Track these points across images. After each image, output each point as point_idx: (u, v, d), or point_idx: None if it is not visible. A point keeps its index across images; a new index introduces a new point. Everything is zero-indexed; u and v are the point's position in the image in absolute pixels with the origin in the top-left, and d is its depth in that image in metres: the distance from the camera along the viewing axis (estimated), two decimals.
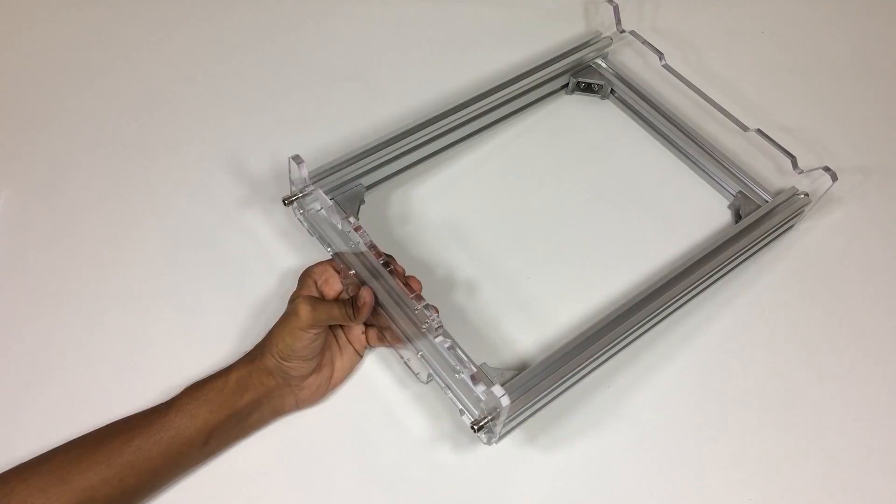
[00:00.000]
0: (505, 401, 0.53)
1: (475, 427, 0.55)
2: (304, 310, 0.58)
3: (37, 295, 0.68)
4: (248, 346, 0.62)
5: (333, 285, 0.64)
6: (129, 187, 0.76)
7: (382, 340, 0.65)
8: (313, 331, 0.59)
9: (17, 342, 0.65)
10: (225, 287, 0.70)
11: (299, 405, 0.62)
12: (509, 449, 0.62)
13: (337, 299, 0.63)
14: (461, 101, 0.78)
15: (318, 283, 0.64)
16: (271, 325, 0.60)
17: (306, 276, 0.64)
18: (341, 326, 0.64)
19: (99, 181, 0.76)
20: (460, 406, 0.59)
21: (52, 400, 0.62)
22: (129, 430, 0.55)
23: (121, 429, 0.56)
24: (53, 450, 0.55)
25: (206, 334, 0.66)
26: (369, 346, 0.65)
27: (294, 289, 0.63)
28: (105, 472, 0.53)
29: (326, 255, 0.68)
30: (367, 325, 0.65)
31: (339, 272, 0.65)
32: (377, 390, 0.65)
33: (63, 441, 0.56)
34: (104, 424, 0.57)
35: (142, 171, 0.77)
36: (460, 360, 0.57)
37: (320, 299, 0.61)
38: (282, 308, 0.61)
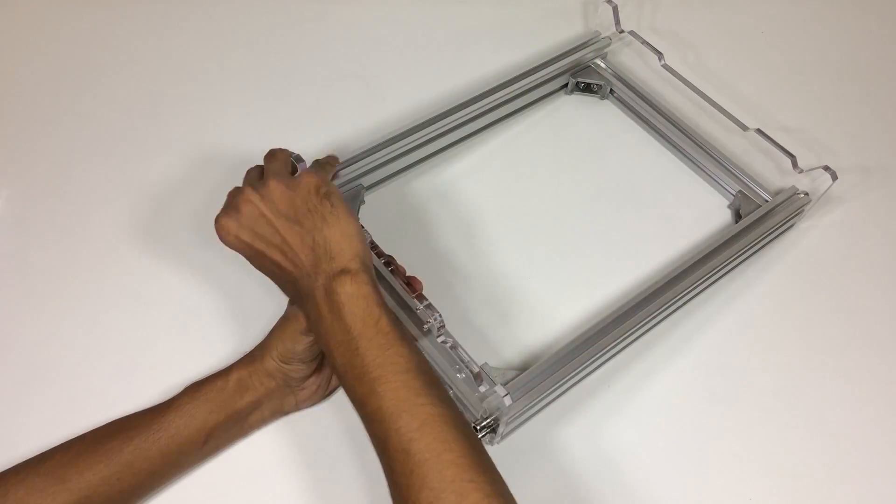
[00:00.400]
0: (507, 400, 0.53)
1: (477, 427, 0.55)
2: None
3: (37, 294, 0.68)
4: (247, 348, 0.61)
5: None
6: (129, 187, 0.76)
7: None
8: (312, 335, 0.58)
9: (18, 342, 0.65)
10: (225, 287, 0.70)
11: (299, 405, 0.62)
12: (511, 449, 0.62)
13: None
14: (460, 101, 0.78)
15: None
16: (271, 327, 0.60)
17: None
18: None
19: (99, 181, 0.76)
20: (461, 406, 0.59)
21: (51, 400, 0.62)
22: (128, 430, 0.55)
23: (120, 428, 0.56)
24: (51, 449, 0.55)
25: (206, 335, 0.66)
26: None
27: None
28: (104, 472, 0.53)
29: None
30: None
31: None
32: None
33: (62, 440, 0.55)
34: (103, 424, 0.57)
35: (142, 170, 0.77)
36: (462, 360, 0.57)
37: None
38: (281, 309, 0.61)
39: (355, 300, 0.51)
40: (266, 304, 0.68)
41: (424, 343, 0.60)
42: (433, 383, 0.50)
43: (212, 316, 0.68)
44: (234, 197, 0.56)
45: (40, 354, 0.65)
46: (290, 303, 0.62)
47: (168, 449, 0.55)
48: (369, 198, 0.75)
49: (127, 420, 0.57)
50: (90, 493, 0.52)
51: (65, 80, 0.84)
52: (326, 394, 0.63)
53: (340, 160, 0.71)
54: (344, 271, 0.52)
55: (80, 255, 0.71)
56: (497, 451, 0.61)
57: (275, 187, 0.55)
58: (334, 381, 0.63)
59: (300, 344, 0.58)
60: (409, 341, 0.51)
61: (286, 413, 0.62)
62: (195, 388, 0.58)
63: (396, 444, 0.47)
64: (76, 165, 0.77)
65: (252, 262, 0.57)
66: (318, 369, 0.61)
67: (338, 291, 0.51)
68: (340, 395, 0.64)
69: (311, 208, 0.54)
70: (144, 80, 0.84)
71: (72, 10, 0.90)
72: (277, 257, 0.54)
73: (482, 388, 0.56)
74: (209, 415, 0.56)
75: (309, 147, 0.77)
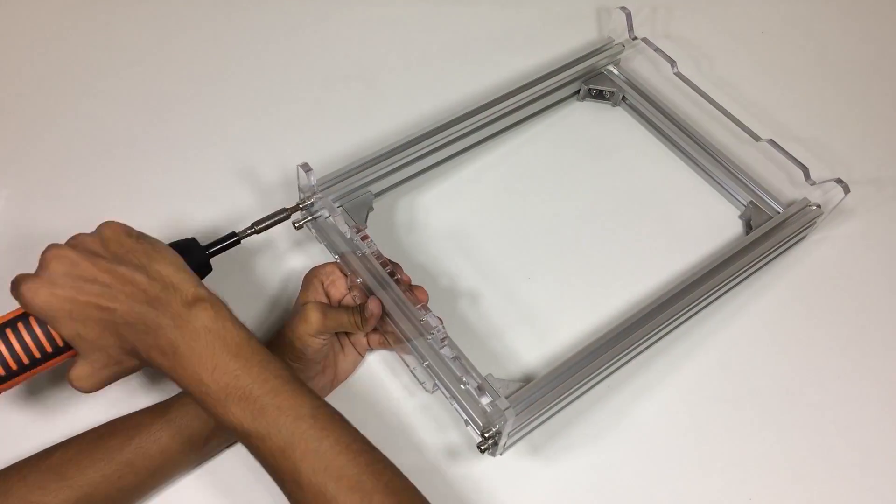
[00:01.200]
0: (510, 414, 0.53)
1: (484, 435, 0.55)
2: (315, 316, 0.58)
3: None
4: None
5: (340, 287, 0.64)
6: (130, 189, 0.76)
7: (384, 344, 0.65)
8: (322, 337, 0.59)
9: None
10: (228, 288, 0.69)
11: None
12: (512, 460, 0.62)
13: (345, 306, 0.63)
14: (472, 107, 0.77)
15: (325, 283, 0.63)
16: (275, 328, 0.61)
17: (312, 276, 0.63)
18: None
19: (100, 182, 0.76)
20: (465, 417, 0.59)
21: (51, 399, 0.62)
22: (129, 429, 0.55)
23: (121, 427, 0.56)
24: (53, 447, 0.55)
25: None
26: (370, 348, 0.66)
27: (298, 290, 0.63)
28: (105, 470, 0.53)
29: (334, 260, 0.68)
30: None
31: (345, 275, 0.65)
32: (383, 398, 0.65)
33: (63, 438, 0.56)
34: (104, 422, 0.57)
35: (142, 171, 0.77)
36: (466, 371, 0.57)
37: (330, 306, 0.61)
38: (288, 310, 0.61)
39: (221, 322, 0.50)
40: (271, 306, 0.68)
41: (428, 353, 0.60)
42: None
43: None
44: (41, 264, 0.50)
45: None
46: (300, 303, 0.62)
47: (169, 448, 0.55)
48: (377, 204, 0.75)
49: (128, 418, 0.57)
50: (91, 491, 0.53)
51: (66, 80, 0.84)
52: (328, 394, 0.63)
53: (349, 168, 0.71)
54: (198, 299, 0.50)
55: None
56: (498, 462, 0.61)
57: (81, 238, 0.51)
58: (336, 381, 0.63)
59: (310, 345, 0.58)
60: (279, 358, 0.52)
61: None
62: None
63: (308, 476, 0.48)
64: (76, 165, 0.77)
65: (71, 320, 0.49)
66: (321, 370, 0.61)
67: (200, 317, 0.50)
68: (339, 394, 0.64)
69: (130, 248, 0.51)
70: (146, 82, 0.84)
71: (73, 11, 0.90)
72: (106, 301, 0.49)
73: (485, 400, 0.55)
74: None
75: (317, 151, 0.77)
